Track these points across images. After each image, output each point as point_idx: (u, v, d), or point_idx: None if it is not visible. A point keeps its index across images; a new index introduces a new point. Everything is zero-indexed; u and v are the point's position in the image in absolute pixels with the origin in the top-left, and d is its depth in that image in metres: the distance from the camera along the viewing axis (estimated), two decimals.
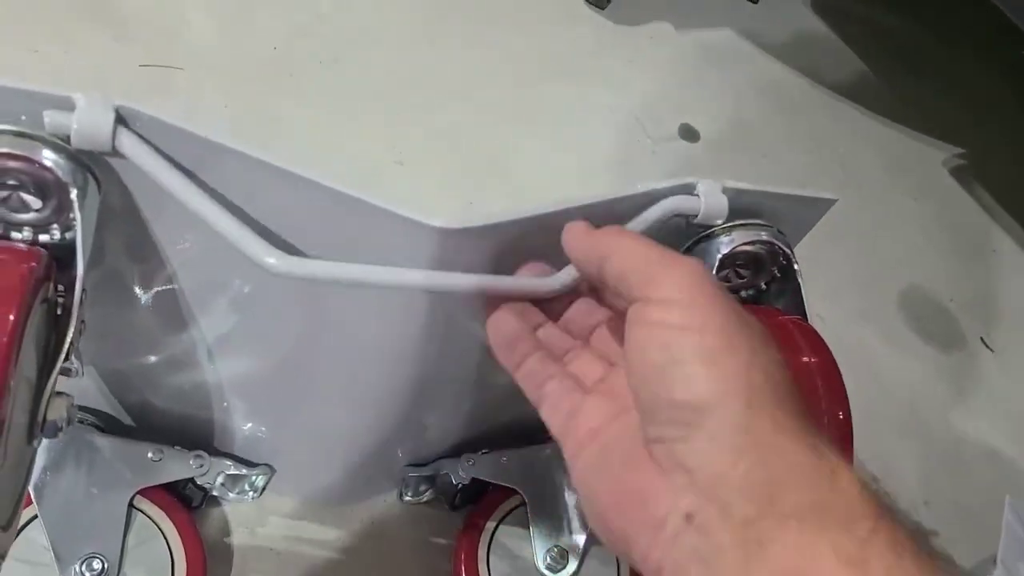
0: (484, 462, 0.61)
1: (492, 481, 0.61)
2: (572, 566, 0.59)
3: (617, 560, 0.61)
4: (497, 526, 0.61)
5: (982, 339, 0.98)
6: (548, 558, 0.59)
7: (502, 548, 0.60)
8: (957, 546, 0.77)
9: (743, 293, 0.49)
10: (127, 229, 0.44)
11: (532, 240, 0.44)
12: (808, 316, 0.48)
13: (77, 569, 0.50)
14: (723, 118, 1.09)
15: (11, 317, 0.32)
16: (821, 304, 0.75)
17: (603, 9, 1.14)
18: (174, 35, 0.89)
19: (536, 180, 0.91)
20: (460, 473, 0.60)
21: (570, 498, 0.61)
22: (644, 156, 1.00)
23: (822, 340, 0.45)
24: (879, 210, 1.07)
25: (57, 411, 0.37)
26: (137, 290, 0.49)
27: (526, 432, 0.63)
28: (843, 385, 0.43)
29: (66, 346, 0.36)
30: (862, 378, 0.85)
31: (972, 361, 0.96)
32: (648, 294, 0.30)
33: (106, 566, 0.51)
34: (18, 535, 0.51)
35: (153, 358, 0.54)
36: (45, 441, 0.51)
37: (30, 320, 0.34)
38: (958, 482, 0.84)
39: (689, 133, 1.05)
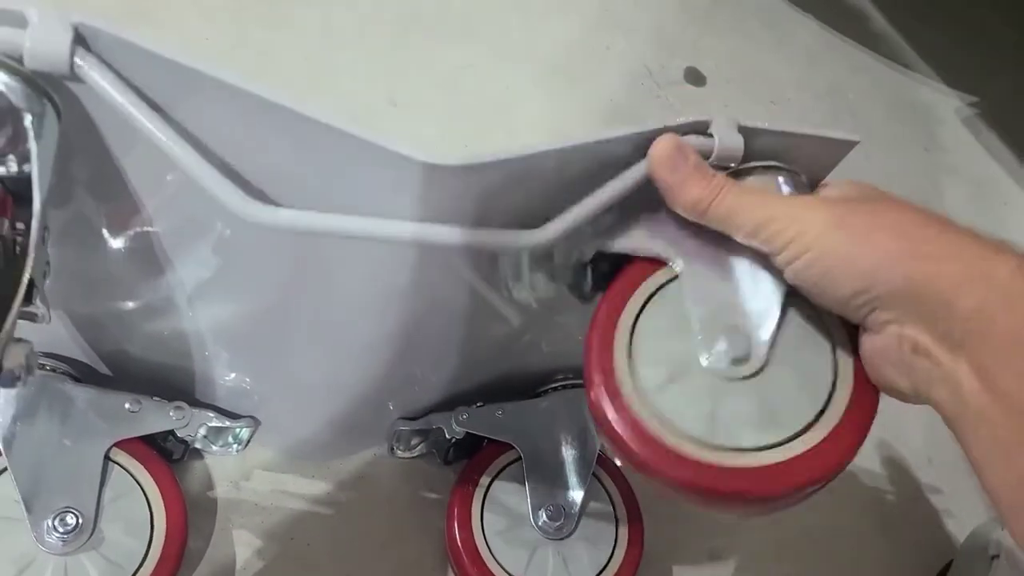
0: (478, 416, 0.58)
1: (486, 435, 0.59)
2: (569, 524, 0.57)
3: (615, 518, 0.59)
4: (492, 482, 0.59)
5: None
6: (544, 515, 0.57)
7: (497, 504, 0.58)
8: (960, 502, 0.76)
9: None
10: (94, 165, 0.41)
11: (529, 185, 0.41)
12: None
13: (50, 523, 0.48)
14: (731, 63, 1.05)
15: None
16: None
17: None
18: None
19: (537, 123, 0.87)
20: (453, 427, 0.58)
21: (567, 454, 0.59)
22: (648, 100, 0.96)
23: None
24: (889, 159, 1.03)
25: (15, 359, 0.34)
26: (109, 232, 0.46)
27: (523, 385, 0.60)
28: None
29: (22, 287, 0.33)
30: None
31: None
32: None
33: (81, 520, 0.48)
34: None
35: (129, 304, 0.51)
36: (14, 391, 0.48)
37: None
38: None
39: (696, 77, 1.01)
